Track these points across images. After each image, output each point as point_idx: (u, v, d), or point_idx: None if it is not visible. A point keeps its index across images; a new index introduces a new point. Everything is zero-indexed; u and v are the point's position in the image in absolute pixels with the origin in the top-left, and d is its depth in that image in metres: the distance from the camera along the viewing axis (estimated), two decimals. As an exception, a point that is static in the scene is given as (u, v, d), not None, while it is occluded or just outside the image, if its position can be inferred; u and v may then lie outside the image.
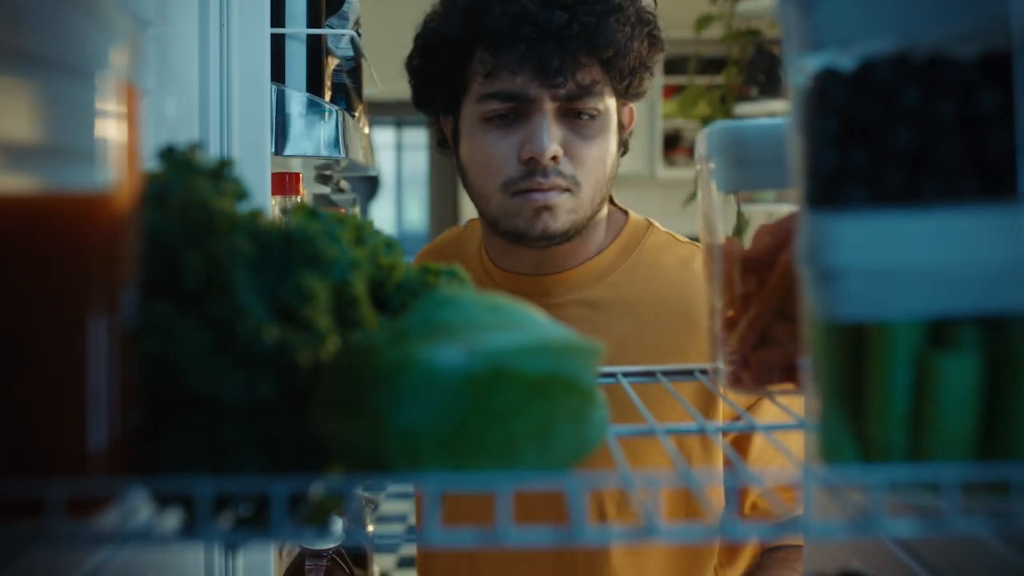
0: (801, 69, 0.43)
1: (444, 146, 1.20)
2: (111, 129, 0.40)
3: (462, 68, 1.09)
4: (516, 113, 1.06)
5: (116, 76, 0.41)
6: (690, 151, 4.20)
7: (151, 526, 0.38)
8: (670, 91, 4.05)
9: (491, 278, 1.18)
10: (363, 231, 0.53)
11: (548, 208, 1.05)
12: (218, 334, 0.41)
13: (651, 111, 4.10)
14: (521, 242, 1.09)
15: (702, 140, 0.62)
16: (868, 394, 0.40)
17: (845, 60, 0.42)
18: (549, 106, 1.04)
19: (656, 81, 4.05)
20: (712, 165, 0.60)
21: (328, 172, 1.31)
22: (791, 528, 0.39)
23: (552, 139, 1.04)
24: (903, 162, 0.39)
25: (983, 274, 0.38)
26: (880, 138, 0.40)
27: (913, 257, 0.38)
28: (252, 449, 0.41)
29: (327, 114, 0.99)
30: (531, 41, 1.02)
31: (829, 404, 0.41)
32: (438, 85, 1.11)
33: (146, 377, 0.40)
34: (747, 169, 0.58)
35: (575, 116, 1.06)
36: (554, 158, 1.04)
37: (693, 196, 2.93)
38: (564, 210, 1.06)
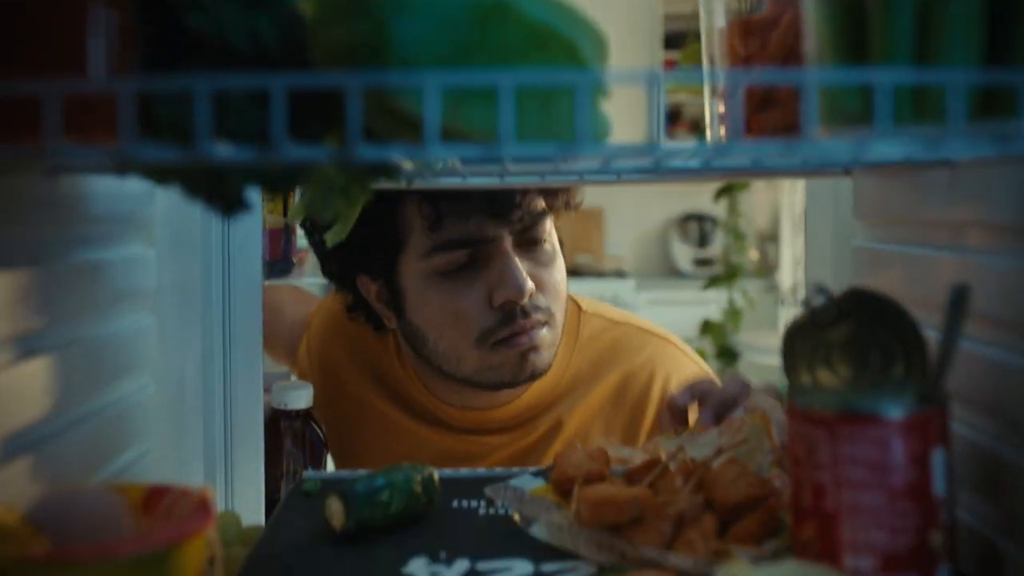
0: None
1: (358, 310, 1.07)
2: None
3: (392, 222, 0.97)
4: (473, 258, 0.96)
5: None
6: (691, 126, 4.21)
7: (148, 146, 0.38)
8: (670, 66, 4.05)
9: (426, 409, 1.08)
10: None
11: (534, 348, 0.98)
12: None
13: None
14: (499, 388, 1.01)
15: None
16: (873, 33, 0.39)
17: None
18: (508, 241, 0.96)
19: (656, 56, 4.07)
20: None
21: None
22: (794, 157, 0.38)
23: (526, 276, 0.96)
24: None
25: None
26: None
27: None
28: (251, 99, 0.41)
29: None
30: None
31: (831, 58, 0.41)
32: (361, 248, 0.95)
33: (147, 16, 0.40)
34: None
35: (532, 245, 0.99)
36: (530, 294, 0.97)
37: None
38: (546, 345, 0.99)
